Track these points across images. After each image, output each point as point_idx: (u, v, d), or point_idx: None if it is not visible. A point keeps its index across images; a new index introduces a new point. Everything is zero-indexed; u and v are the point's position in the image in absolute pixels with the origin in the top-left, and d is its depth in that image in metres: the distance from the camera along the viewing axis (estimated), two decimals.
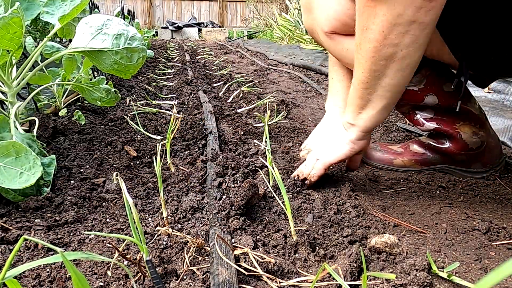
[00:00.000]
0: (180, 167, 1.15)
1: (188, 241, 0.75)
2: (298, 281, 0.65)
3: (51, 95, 1.59)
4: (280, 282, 0.65)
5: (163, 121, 1.61)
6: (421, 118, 1.18)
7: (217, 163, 1.09)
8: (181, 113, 1.71)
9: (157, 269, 0.65)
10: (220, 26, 11.12)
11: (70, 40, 1.38)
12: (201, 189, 0.99)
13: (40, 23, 2.00)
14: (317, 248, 0.76)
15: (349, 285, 0.64)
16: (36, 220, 0.81)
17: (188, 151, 1.26)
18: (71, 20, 1.15)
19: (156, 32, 9.74)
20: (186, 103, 1.97)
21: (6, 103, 1.14)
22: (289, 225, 0.81)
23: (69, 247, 0.74)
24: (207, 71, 3.23)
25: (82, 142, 1.25)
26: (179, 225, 0.84)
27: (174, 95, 2.17)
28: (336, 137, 1.00)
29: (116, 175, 0.98)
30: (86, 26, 1.10)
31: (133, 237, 0.57)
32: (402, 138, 1.46)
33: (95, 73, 1.92)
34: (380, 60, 0.78)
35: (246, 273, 0.66)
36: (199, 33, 10.05)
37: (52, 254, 0.72)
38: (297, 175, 1.03)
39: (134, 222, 0.55)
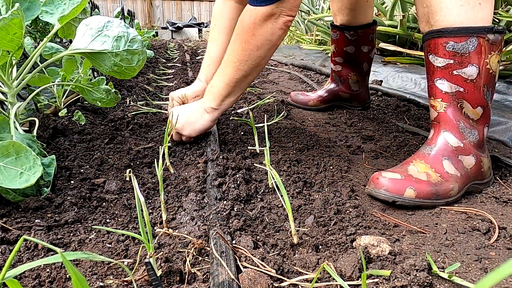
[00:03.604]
0: (180, 167, 1.15)
1: (188, 242, 0.75)
2: (298, 281, 0.65)
3: (51, 95, 1.59)
4: (280, 282, 0.65)
5: (163, 122, 1.61)
6: (334, 59, 1.87)
7: (217, 164, 1.09)
8: None
9: (157, 269, 0.65)
10: None
11: (71, 41, 1.38)
12: (202, 189, 0.99)
13: (40, 24, 2.01)
14: (317, 248, 0.76)
15: (349, 285, 0.65)
16: (36, 221, 0.81)
17: (188, 151, 1.26)
18: (71, 20, 1.15)
19: (156, 32, 9.74)
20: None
21: (6, 103, 1.14)
22: (289, 225, 0.81)
23: (69, 247, 0.74)
24: None
25: (82, 142, 1.25)
26: (179, 226, 0.84)
27: None
28: (200, 116, 1.27)
29: (129, 172, 0.98)
30: (86, 28, 1.10)
31: (140, 235, 0.57)
32: (402, 139, 1.46)
33: (95, 73, 1.92)
34: (253, 65, 1.16)
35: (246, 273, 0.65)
36: (199, 34, 10.05)
37: (52, 254, 0.72)
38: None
39: (144, 222, 0.55)
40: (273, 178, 1.02)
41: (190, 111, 1.27)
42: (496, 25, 0.97)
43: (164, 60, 3.85)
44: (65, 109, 1.53)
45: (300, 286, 0.65)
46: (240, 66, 1.16)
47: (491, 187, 1.08)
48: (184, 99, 1.51)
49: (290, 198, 0.98)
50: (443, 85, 1.01)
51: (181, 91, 1.53)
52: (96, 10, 2.57)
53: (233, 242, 0.74)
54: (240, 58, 1.15)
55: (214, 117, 1.26)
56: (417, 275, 0.63)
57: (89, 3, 2.05)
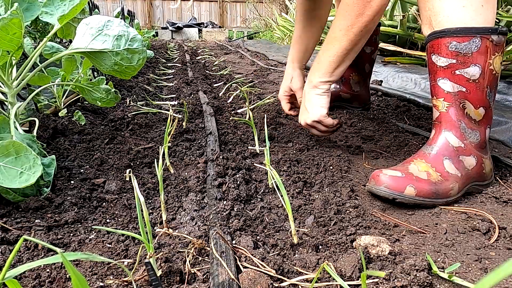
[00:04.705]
0: (180, 167, 1.15)
1: (188, 242, 0.75)
2: (298, 281, 0.65)
3: (51, 95, 1.59)
4: (280, 282, 0.65)
5: (163, 122, 1.61)
6: None
7: (217, 164, 1.09)
8: (181, 113, 1.71)
9: (157, 269, 0.65)
10: (220, 27, 11.12)
11: (70, 41, 1.38)
12: (201, 189, 0.99)
13: (40, 24, 2.01)
14: (317, 248, 0.76)
15: (349, 285, 0.65)
16: (36, 221, 0.81)
17: (188, 151, 1.26)
18: (70, 20, 1.15)
19: (156, 32, 9.74)
20: (186, 103, 1.96)
21: (6, 103, 1.14)
22: (289, 225, 0.81)
23: (69, 248, 0.74)
24: (207, 71, 3.23)
25: (82, 142, 1.25)
26: (179, 226, 0.84)
27: (174, 95, 2.18)
28: (312, 96, 1.28)
29: (129, 172, 0.98)
30: (86, 27, 1.10)
31: (140, 235, 0.57)
32: (402, 139, 1.46)
33: (95, 73, 1.92)
34: (364, 33, 1.14)
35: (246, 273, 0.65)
36: (199, 34, 10.05)
37: (52, 254, 0.72)
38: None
39: (144, 222, 0.55)
40: (273, 178, 1.02)
41: (306, 100, 1.30)
42: (499, 26, 0.97)
43: (164, 60, 3.84)
44: (65, 109, 1.53)
45: (300, 286, 0.65)
46: (351, 38, 1.14)
47: (491, 187, 1.08)
48: (288, 90, 1.56)
49: (290, 198, 0.98)
50: (445, 85, 1.01)
51: (283, 87, 1.59)
52: (96, 10, 2.57)
53: (233, 242, 0.74)
54: (351, 31, 1.13)
55: (325, 89, 1.27)
56: (417, 275, 0.63)
57: (88, 3, 2.05)
